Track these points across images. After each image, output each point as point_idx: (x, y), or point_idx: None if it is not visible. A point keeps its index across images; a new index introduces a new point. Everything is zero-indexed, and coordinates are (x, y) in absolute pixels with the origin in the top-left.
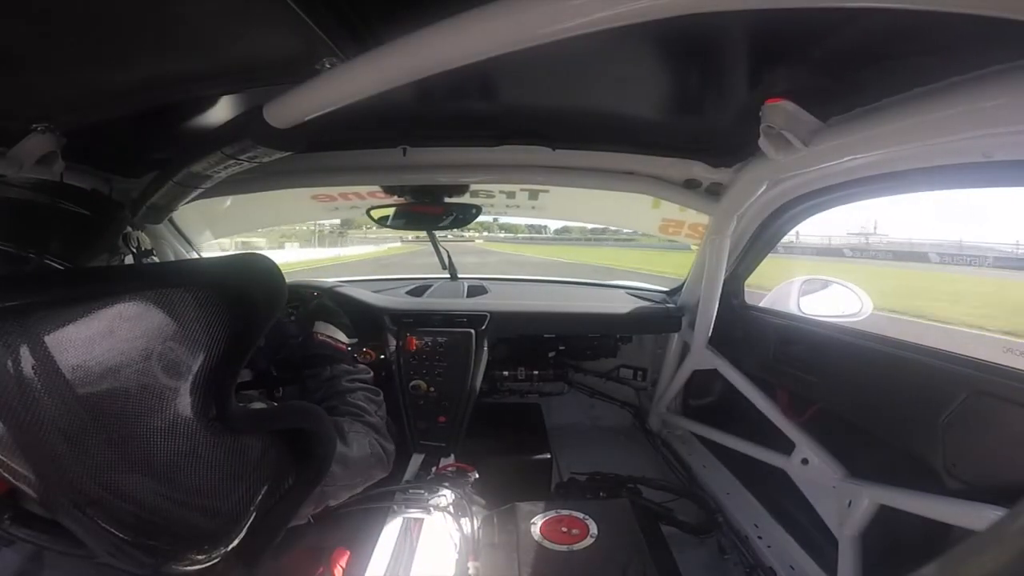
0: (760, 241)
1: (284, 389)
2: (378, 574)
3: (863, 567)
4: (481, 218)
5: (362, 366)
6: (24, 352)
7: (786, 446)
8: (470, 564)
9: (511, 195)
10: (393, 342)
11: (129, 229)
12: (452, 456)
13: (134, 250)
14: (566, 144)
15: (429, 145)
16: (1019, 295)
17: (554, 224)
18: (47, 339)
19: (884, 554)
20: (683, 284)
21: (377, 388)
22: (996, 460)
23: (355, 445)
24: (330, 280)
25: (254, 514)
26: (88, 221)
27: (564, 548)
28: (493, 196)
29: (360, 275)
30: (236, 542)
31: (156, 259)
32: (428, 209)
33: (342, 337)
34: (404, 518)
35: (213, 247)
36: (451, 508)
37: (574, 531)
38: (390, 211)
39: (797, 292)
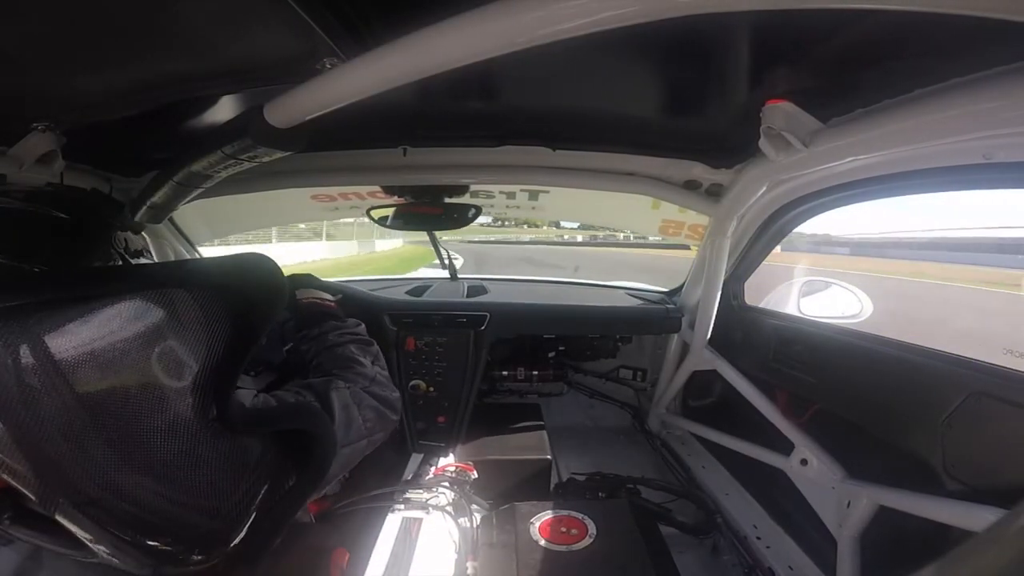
0: (760, 242)
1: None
2: (377, 574)
3: (862, 568)
4: None
5: (352, 320)
6: (24, 352)
7: (785, 447)
8: (469, 564)
9: (511, 195)
10: (392, 342)
11: (119, 232)
12: (451, 456)
13: (121, 251)
14: (566, 145)
15: (429, 145)
16: None
17: None
18: (47, 339)
19: (883, 555)
20: (683, 285)
21: (370, 339)
22: (995, 461)
23: (339, 409)
24: (330, 279)
25: (254, 514)
26: (71, 226)
27: (563, 548)
28: (493, 196)
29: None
30: (236, 542)
31: (148, 259)
32: (428, 210)
33: (327, 296)
34: (403, 518)
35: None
36: (450, 508)
37: (573, 531)
38: (390, 211)
39: (797, 293)
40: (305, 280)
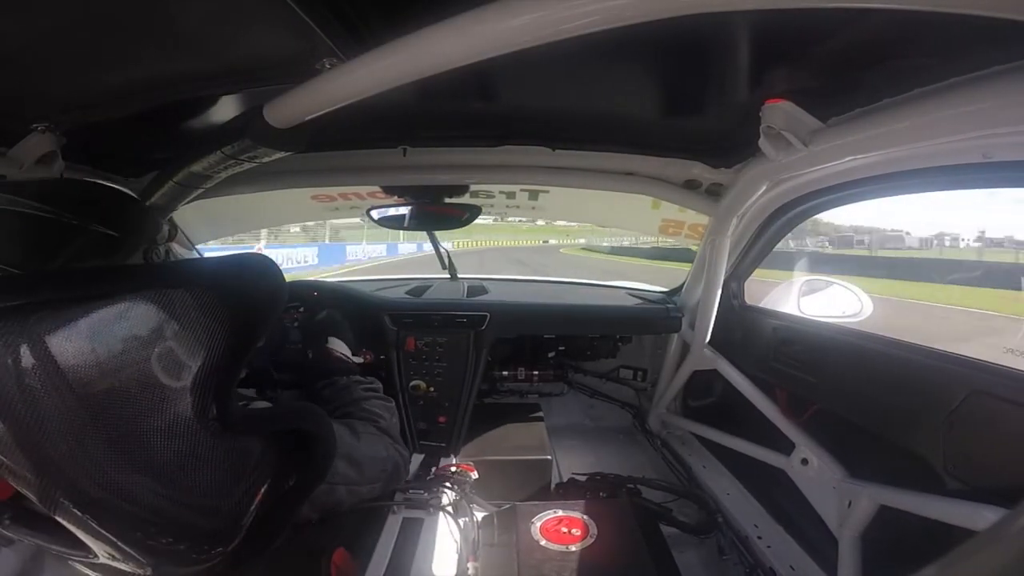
0: (760, 241)
1: (282, 392)
2: (378, 574)
3: (863, 567)
4: None
5: (371, 378)
6: (24, 352)
7: (786, 446)
8: (469, 564)
9: (511, 195)
10: (393, 342)
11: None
12: (452, 456)
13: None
14: (566, 144)
15: (429, 145)
16: None
17: None
18: (47, 339)
19: (884, 554)
20: (683, 284)
21: (390, 397)
22: (996, 460)
23: (366, 446)
24: (330, 279)
25: (255, 514)
26: (113, 242)
27: (564, 548)
28: (493, 196)
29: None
30: (236, 542)
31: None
32: (446, 210)
33: (351, 357)
34: (404, 518)
35: None
36: (451, 508)
37: (574, 531)
38: (403, 210)
39: (797, 292)
40: (341, 330)
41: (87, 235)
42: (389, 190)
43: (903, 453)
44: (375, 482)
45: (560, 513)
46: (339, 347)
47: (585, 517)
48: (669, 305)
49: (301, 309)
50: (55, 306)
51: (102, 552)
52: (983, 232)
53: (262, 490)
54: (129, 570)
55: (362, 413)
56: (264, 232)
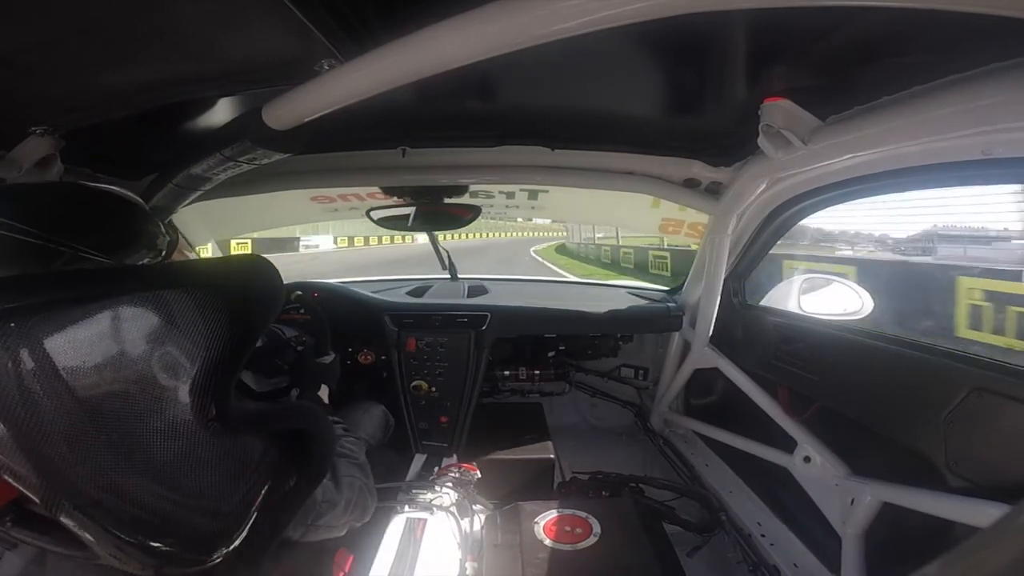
0: (760, 239)
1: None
2: (381, 574)
3: (866, 565)
4: None
5: (335, 417)
6: (24, 354)
7: (788, 444)
8: (468, 564)
9: (510, 195)
10: (394, 342)
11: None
12: (454, 456)
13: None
14: (565, 144)
15: (428, 146)
16: None
17: None
18: (47, 341)
19: (888, 551)
20: (684, 283)
21: (359, 438)
22: (998, 457)
23: (346, 489)
24: (331, 280)
25: (255, 514)
26: (129, 218)
27: (568, 547)
28: (492, 196)
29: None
30: (237, 542)
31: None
32: (452, 210)
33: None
34: (407, 518)
35: None
36: (454, 508)
37: (577, 530)
38: (407, 211)
39: (798, 290)
40: (334, 375)
41: (85, 240)
42: (388, 191)
43: (905, 450)
44: (347, 520)
45: (563, 512)
46: (323, 393)
47: (588, 516)
48: (670, 304)
49: (301, 311)
50: (55, 307)
51: (104, 553)
52: None
53: (263, 491)
54: (131, 571)
55: (341, 450)
56: None
